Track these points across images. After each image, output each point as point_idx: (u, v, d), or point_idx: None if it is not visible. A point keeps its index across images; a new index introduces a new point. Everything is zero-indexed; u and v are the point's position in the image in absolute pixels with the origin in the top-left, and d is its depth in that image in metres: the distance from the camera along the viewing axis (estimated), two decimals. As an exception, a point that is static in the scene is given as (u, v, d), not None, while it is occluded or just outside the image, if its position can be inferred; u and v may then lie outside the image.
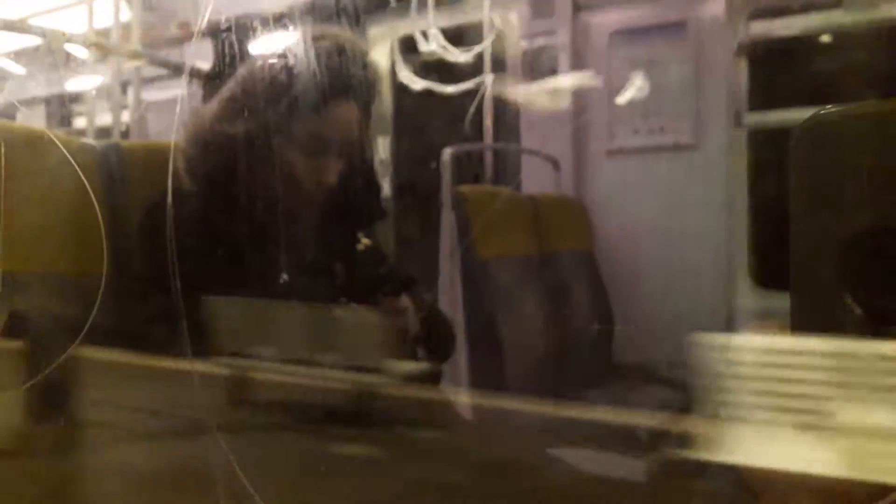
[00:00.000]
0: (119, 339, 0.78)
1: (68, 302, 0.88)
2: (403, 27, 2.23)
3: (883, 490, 0.21)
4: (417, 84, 2.20)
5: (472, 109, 2.21)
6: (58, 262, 0.99)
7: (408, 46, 2.17)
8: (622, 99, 2.27)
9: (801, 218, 0.23)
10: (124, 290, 0.90)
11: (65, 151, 0.80)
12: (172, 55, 2.37)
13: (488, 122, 2.39)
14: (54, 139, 0.84)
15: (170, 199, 0.69)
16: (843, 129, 0.21)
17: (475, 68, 2.27)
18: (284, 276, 0.91)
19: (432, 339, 1.03)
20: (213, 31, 0.96)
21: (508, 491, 0.53)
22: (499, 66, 2.40)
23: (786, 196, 0.23)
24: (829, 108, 0.22)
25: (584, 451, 0.58)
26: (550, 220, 2.18)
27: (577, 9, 2.36)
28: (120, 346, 0.75)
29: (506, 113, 2.47)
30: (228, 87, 0.93)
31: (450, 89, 2.20)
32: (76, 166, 0.76)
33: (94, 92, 2.21)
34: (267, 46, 0.94)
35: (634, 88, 2.23)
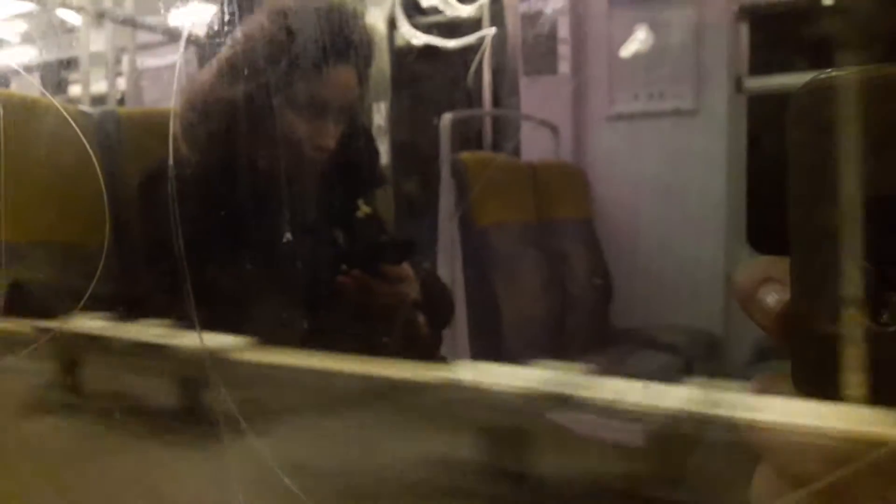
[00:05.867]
0: (121, 308, 0.78)
1: (69, 271, 0.88)
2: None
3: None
4: (419, 39, 2.18)
5: (473, 68, 2.19)
6: (57, 232, 0.99)
7: (409, 3, 2.15)
8: (626, 52, 2.24)
9: (800, 183, 0.23)
10: (123, 258, 0.90)
11: (69, 118, 0.80)
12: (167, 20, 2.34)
13: (487, 76, 2.36)
14: (59, 107, 0.84)
15: (171, 161, 0.69)
16: (842, 94, 0.21)
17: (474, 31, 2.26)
18: (288, 236, 0.91)
19: (431, 307, 1.03)
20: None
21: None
22: (499, 29, 2.37)
23: (785, 162, 0.23)
24: (828, 72, 0.21)
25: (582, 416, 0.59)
26: (549, 186, 2.18)
27: (576, -29, 2.33)
28: (122, 316, 0.76)
29: (505, 78, 2.45)
30: (224, 51, 0.92)
31: (451, 44, 2.18)
32: (79, 132, 0.75)
33: (88, 59, 2.19)
34: (261, 9, 0.93)
35: (638, 42, 2.20)
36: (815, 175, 0.22)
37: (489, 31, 2.29)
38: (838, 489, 0.21)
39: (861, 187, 0.21)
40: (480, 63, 2.33)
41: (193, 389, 0.59)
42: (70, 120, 0.82)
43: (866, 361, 0.22)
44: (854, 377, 0.22)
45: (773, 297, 0.24)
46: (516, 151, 2.40)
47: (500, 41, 2.39)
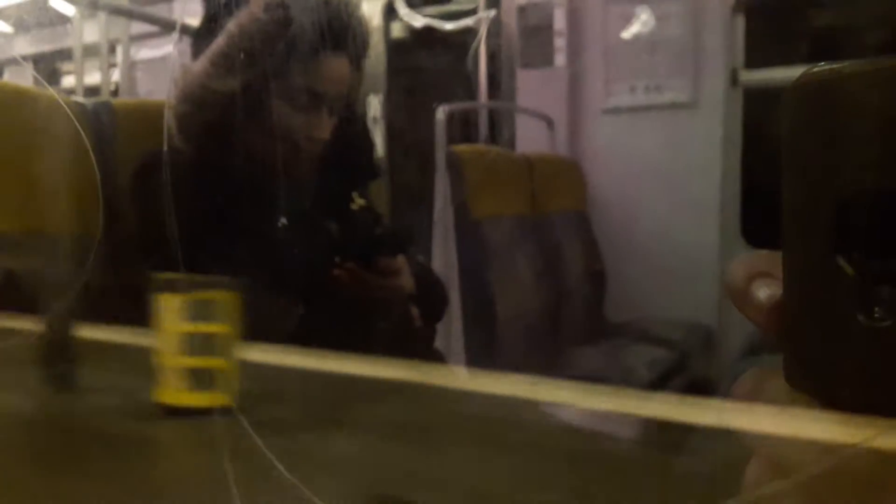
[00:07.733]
0: (112, 300, 0.78)
1: (61, 261, 0.88)
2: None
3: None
4: (418, 21, 2.17)
5: (469, 55, 2.19)
6: (49, 222, 0.99)
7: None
8: (628, 35, 2.23)
9: (794, 178, 0.23)
10: (115, 248, 0.90)
11: (66, 108, 0.79)
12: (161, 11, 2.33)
13: (483, 67, 2.35)
14: (57, 97, 0.83)
15: (166, 147, 0.69)
16: (836, 88, 0.21)
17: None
18: (283, 220, 0.90)
19: (425, 299, 1.03)
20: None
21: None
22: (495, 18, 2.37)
23: (779, 155, 0.23)
24: (822, 66, 0.21)
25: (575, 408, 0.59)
26: (544, 179, 2.18)
27: (573, -37, 2.33)
28: (113, 307, 0.75)
29: (501, 70, 2.44)
30: (217, 43, 0.91)
31: (449, 26, 2.18)
32: (76, 122, 0.75)
33: (81, 50, 2.17)
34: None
35: (640, 24, 2.20)
36: (808, 169, 0.22)
37: (488, 14, 2.28)
38: (828, 484, 0.21)
39: (854, 181, 0.21)
40: (476, 53, 2.32)
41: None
42: (67, 110, 0.81)
43: (859, 356, 0.22)
44: (847, 372, 0.22)
45: (766, 292, 0.24)
46: (512, 144, 2.40)
47: (495, 32, 2.38)
